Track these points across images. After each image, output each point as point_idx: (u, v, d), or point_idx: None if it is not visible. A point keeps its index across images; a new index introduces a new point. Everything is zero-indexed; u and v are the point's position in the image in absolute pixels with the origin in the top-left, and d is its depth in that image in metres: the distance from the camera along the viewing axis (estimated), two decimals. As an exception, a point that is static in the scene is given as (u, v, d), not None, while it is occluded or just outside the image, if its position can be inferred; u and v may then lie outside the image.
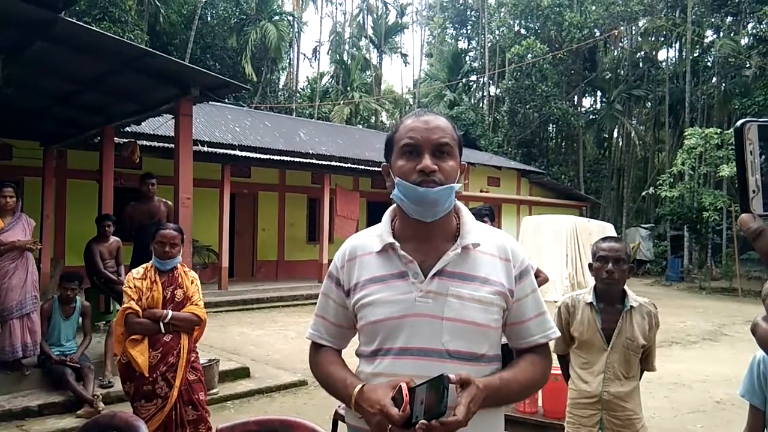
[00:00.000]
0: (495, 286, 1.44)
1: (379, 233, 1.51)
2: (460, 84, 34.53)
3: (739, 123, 0.86)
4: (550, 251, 15.21)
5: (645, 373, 2.99)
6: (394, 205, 1.55)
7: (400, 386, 1.29)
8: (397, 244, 1.46)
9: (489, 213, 4.63)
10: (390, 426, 1.27)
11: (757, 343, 0.91)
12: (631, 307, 2.82)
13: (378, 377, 1.42)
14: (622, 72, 30.61)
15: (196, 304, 3.71)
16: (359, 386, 1.39)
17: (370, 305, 1.45)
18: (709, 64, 26.96)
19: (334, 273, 1.56)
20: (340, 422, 3.79)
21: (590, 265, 2.90)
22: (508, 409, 3.67)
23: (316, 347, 1.63)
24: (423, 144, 1.42)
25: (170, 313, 3.58)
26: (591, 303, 2.85)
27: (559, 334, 1.60)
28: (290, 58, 35.44)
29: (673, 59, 30.28)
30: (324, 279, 1.62)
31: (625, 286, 2.87)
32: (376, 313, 1.43)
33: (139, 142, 9.13)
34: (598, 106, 33.31)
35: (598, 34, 28.16)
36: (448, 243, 1.46)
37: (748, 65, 23.62)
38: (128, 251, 7.16)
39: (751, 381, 1.90)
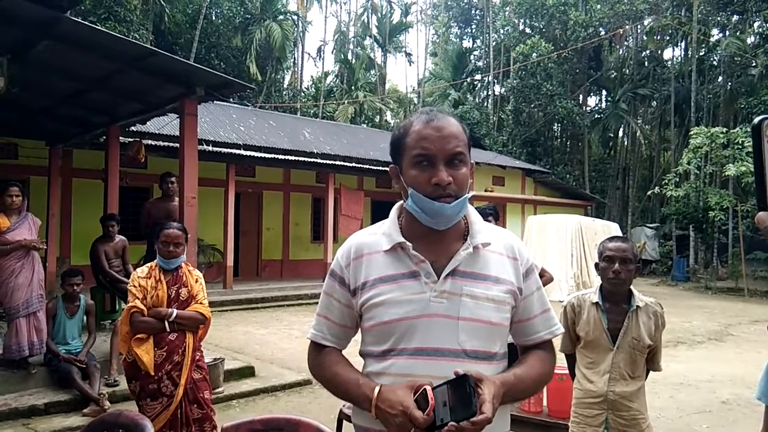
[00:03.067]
0: (506, 285, 1.45)
1: (386, 231, 1.49)
2: (465, 83, 34.50)
3: (756, 120, 0.84)
4: (555, 251, 15.18)
5: (650, 373, 2.98)
6: (401, 201, 1.52)
7: (424, 389, 1.27)
8: (408, 243, 1.44)
9: (493, 212, 4.63)
10: (413, 429, 1.25)
11: None
12: (638, 306, 2.80)
13: (392, 377, 1.40)
14: (627, 71, 30.50)
15: (201, 303, 3.72)
16: (378, 387, 1.36)
17: (381, 305, 1.42)
18: (714, 62, 26.82)
19: (338, 272, 1.52)
20: (345, 421, 3.79)
21: (596, 265, 2.89)
22: (513, 409, 3.66)
23: (317, 347, 1.58)
24: (437, 155, 1.38)
25: (175, 311, 3.59)
26: (597, 303, 2.84)
27: (563, 330, 1.61)
28: (295, 58, 35.47)
29: (679, 58, 30.15)
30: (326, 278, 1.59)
31: (632, 286, 2.86)
32: (390, 313, 1.41)
33: (145, 142, 9.14)
34: (603, 105, 33.22)
35: (603, 32, 28.05)
36: (457, 242, 1.46)
37: (754, 64, 23.47)
38: (139, 250, 7.18)
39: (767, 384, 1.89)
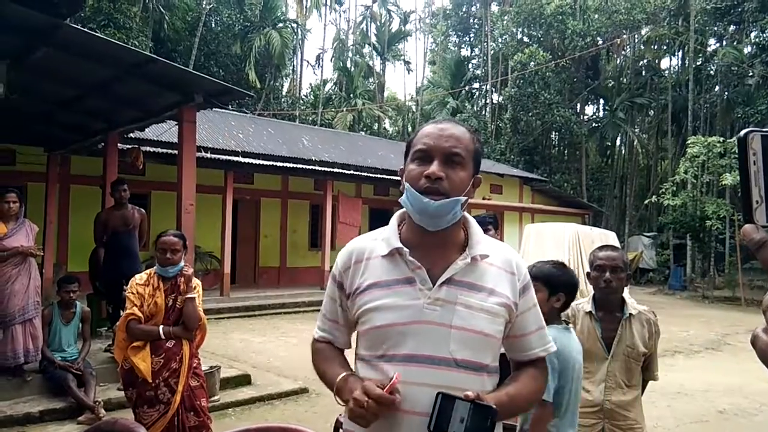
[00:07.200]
0: (501, 297, 1.44)
1: (386, 237, 1.50)
2: (463, 91, 34.58)
3: (742, 133, 0.85)
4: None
5: (649, 382, 2.98)
6: (403, 209, 1.53)
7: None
8: (405, 249, 1.44)
9: (493, 221, 4.61)
10: (369, 400, 1.27)
11: (757, 356, 0.91)
12: (630, 314, 2.81)
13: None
14: (624, 80, 30.65)
15: (197, 311, 3.72)
16: (342, 374, 1.43)
17: (375, 310, 1.43)
18: (711, 72, 26.97)
19: (337, 276, 1.55)
20: (341, 430, 3.78)
21: (588, 275, 2.90)
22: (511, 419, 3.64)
23: (315, 343, 1.63)
24: (434, 150, 1.42)
25: (170, 329, 3.61)
26: (590, 312, 2.84)
27: (555, 348, 1.61)
28: (294, 65, 35.61)
29: (676, 67, 30.32)
30: (328, 281, 1.62)
31: (625, 294, 2.86)
32: (383, 319, 1.42)
33: (143, 149, 9.14)
34: (601, 114, 33.33)
35: (600, 42, 28.19)
36: (456, 253, 1.46)
37: (750, 74, 23.61)
38: (142, 256, 7.15)
39: None
